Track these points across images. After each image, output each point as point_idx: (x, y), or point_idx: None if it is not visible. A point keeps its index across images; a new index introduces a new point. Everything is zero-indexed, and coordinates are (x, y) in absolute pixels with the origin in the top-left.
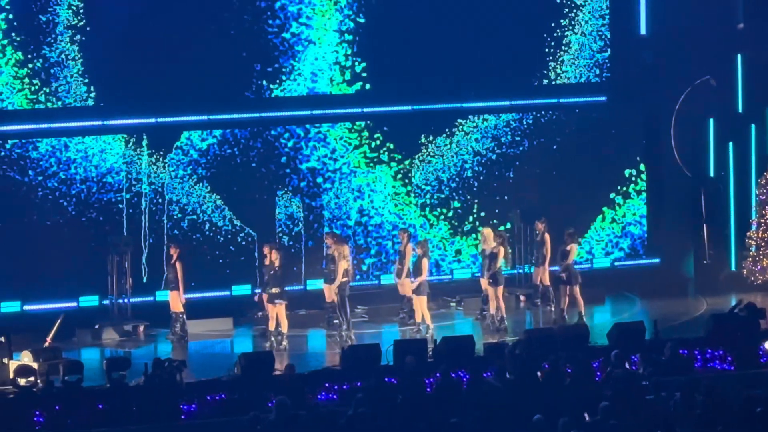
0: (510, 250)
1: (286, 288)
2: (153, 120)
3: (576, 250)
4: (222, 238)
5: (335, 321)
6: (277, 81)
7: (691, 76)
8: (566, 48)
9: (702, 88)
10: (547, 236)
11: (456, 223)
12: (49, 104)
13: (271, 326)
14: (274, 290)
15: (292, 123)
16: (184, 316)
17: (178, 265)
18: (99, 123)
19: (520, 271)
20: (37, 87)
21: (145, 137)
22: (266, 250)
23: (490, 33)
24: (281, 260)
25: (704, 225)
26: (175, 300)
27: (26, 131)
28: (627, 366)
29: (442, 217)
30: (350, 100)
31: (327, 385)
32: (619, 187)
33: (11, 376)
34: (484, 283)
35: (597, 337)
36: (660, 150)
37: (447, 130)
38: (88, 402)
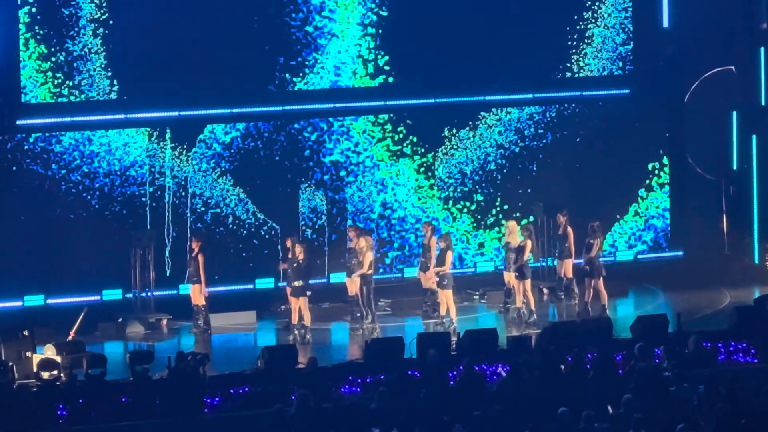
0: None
1: (310, 281)
2: (176, 113)
3: (600, 244)
4: (245, 232)
5: (358, 314)
6: (300, 74)
7: (714, 69)
8: (589, 41)
9: (722, 80)
10: (569, 229)
11: (479, 216)
12: (72, 98)
13: (294, 319)
14: (297, 283)
15: (315, 116)
16: (207, 310)
17: (199, 258)
18: (122, 116)
19: (543, 264)
20: (60, 80)
21: (168, 131)
22: (289, 243)
23: (512, 26)
24: (305, 253)
25: (724, 217)
26: (197, 293)
27: (49, 125)
28: (650, 359)
29: (465, 210)
30: (373, 93)
31: (350, 378)
32: (642, 179)
33: (35, 369)
34: (507, 276)
35: (620, 330)
36: (683, 143)
37: (470, 123)
38: (111, 395)
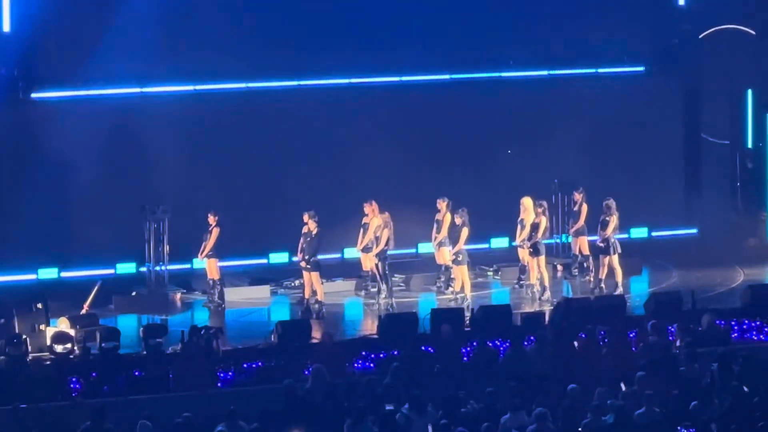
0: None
1: (319, 256)
2: (192, 88)
3: (616, 221)
4: (260, 206)
5: (372, 289)
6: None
7: (730, 46)
8: (605, 18)
9: (737, 58)
10: (584, 206)
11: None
12: (88, 71)
13: (307, 293)
14: (308, 258)
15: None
16: (222, 284)
17: (214, 231)
18: (139, 90)
19: (558, 240)
20: (76, 54)
21: (183, 104)
22: (305, 217)
23: (528, 2)
24: (318, 228)
25: (738, 195)
26: (213, 267)
27: (66, 98)
28: (664, 336)
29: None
30: (389, 69)
31: (364, 353)
32: (657, 157)
33: (48, 342)
34: (522, 252)
35: (634, 308)
36: (698, 120)
37: (485, 99)
38: (124, 369)
